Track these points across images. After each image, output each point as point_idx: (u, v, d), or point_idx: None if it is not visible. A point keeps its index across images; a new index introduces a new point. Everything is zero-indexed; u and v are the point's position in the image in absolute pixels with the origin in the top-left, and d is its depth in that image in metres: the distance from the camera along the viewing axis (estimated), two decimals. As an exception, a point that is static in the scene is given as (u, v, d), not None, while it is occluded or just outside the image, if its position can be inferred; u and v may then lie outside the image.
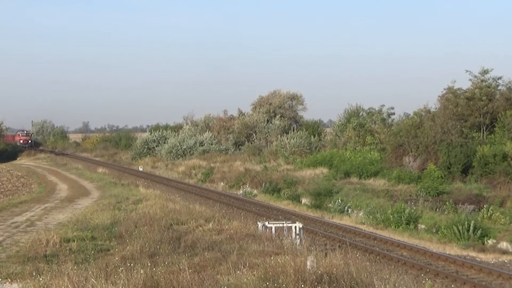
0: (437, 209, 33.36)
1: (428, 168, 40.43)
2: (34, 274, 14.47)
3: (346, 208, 36.65)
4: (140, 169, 68.21)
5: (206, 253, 16.95)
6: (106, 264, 14.88)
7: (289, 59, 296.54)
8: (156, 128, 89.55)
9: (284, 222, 25.19)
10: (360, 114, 60.45)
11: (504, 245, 27.40)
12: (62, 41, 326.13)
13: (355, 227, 31.41)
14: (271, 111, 73.45)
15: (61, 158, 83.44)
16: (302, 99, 75.12)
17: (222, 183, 52.41)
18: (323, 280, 12.92)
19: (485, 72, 46.49)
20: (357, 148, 52.39)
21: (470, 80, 46.90)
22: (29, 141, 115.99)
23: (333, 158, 49.84)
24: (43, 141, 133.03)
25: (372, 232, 29.98)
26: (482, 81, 46.40)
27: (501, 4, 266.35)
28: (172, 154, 71.60)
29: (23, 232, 22.70)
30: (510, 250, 26.75)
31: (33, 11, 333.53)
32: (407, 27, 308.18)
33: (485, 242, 28.02)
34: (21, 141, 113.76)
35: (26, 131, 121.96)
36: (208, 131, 75.20)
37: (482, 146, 40.96)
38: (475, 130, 44.86)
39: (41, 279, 13.73)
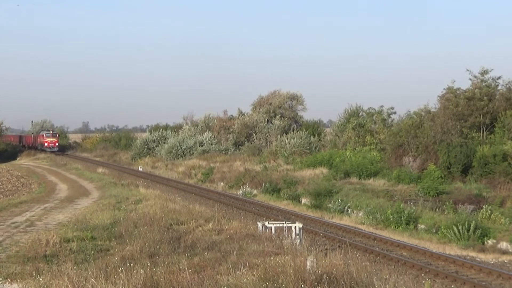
0: (437, 209, 33.36)
1: (428, 168, 40.42)
2: (34, 274, 14.47)
3: (346, 208, 36.64)
4: (140, 169, 68.20)
5: (206, 253, 16.94)
6: (106, 264, 14.87)
7: (289, 59, 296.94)
8: (156, 128, 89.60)
9: (284, 222, 25.18)
10: (360, 114, 60.47)
11: (504, 245, 27.40)
12: (62, 41, 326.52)
13: (355, 227, 31.40)
14: (271, 111, 73.46)
15: (60, 158, 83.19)
16: (302, 99, 75.26)
17: (222, 183, 52.40)
18: (323, 280, 12.90)
19: (485, 72, 46.52)
20: (357, 148, 52.38)
21: (470, 80, 46.99)
22: (57, 144, 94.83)
23: (333, 158, 49.84)
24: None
25: (372, 232, 29.97)
26: (482, 81, 46.42)
27: (502, 4, 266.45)
28: (172, 154, 71.59)
29: (23, 232, 22.69)
30: (510, 250, 26.75)
31: (33, 12, 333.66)
32: (407, 27, 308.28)
33: (485, 242, 28.03)
34: (46, 144, 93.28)
35: (53, 131, 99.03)
36: (208, 131, 75.20)
37: (482, 146, 40.96)
38: (475, 130, 44.85)
39: (41, 279, 13.73)
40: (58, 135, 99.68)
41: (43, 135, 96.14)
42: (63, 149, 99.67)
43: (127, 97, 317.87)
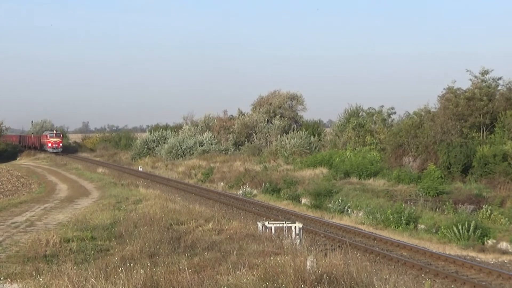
0: (437, 209, 33.36)
1: (428, 168, 40.41)
2: (34, 274, 14.45)
3: (346, 208, 36.63)
4: (140, 169, 68.17)
5: (206, 253, 16.93)
6: (106, 264, 14.86)
7: (289, 59, 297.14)
8: (156, 128, 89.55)
9: (284, 222, 25.18)
10: (360, 114, 60.45)
11: (504, 245, 27.40)
12: (62, 41, 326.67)
13: (355, 227, 31.39)
14: (271, 111, 73.45)
15: (60, 158, 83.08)
16: (302, 99, 75.27)
17: (222, 183, 52.39)
18: (323, 280, 12.89)
19: (485, 72, 46.54)
20: (357, 148, 52.37)
21: (470, 80, 47.02)
22: (61, 145, 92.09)
23: (333, 158, 49.83)
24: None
25: (372, 232, 29.96)
26: (482, 81, 46.43)
27: (502, 4, 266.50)
28: (172, 154, 71.58)
29: (23, 232, 22.68)
30: (510, 250, 26.75)
31: (33, 12, 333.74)
32: (407, 27, 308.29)
33: (485, 242, 28.03)
34: (50, 145, 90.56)
35: (56, 131, 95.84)
36: (208, 131, 75.19)
37: (482, 146, 40.96)
38: (475, 130, 44.86)
39: (41, 279, 13.72)
40: (62, 135, 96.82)
41: (46, 135, 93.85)
42: (67, 150, 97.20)
43: (127, 97, 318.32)
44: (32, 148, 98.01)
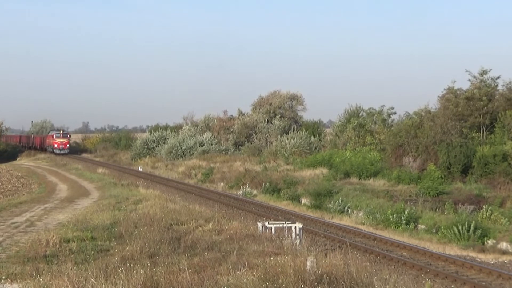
0: (437, 209, 33.37)
1: (428, 168, 40.43)
2: (34, 274, 14.45)
3: (346, 208, 36.63)
4: (140, 169, 68.13)
5: (206, 253, 16.92)
6: (106, 264, 14.85)
7: (289, 59, 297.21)
8: (156, 128, 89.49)
9: (284, 222, 25.16)
10: (360, 114, 60.48)
11: (504, 245, 27.40)
12: (61, 41, 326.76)
13: (355, 228, 31.39)
14: (271, 111, 73.47)
15: (60, 158, 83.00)
16: (302, 99, 75.34)
17: (222, 184, 52.38)
18: (323, 281, 12.89)
19: (484, 72, 46.58)
20: (357, 149, 52.36)
21: (469, 80, 47.06)
22: (67, 146, 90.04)
23: (333, 158, 49.83)
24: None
25: (372, 233, 29.96)
26: (481, 81, 46.47)
27: (502, 4, 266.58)
28: (172, 154, 71.57)
29: (23, 232, 22.67)
30: (510, 250, 26.75)
31: (33, 11, 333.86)
32: (407, 27, 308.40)
33: (485, 242, 28.02)
34: (56, 145, 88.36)
35: (63, 131, 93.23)
36: (208, 132, 75.19)
37: (482, 146, 40.98)
38: (475, 130, 44.88)
39: (41, 279, 13.72)
40: (69, 136, 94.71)
41: (52, 136, 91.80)
42: (74, 151, 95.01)
43: (127, 97, 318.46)
44: (37, 149, 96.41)
